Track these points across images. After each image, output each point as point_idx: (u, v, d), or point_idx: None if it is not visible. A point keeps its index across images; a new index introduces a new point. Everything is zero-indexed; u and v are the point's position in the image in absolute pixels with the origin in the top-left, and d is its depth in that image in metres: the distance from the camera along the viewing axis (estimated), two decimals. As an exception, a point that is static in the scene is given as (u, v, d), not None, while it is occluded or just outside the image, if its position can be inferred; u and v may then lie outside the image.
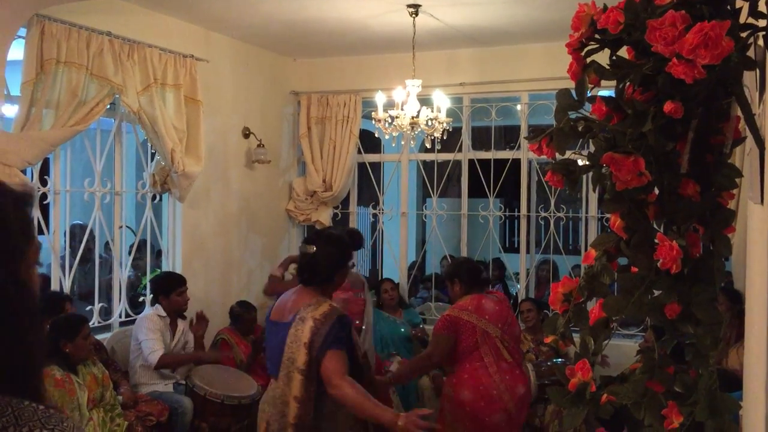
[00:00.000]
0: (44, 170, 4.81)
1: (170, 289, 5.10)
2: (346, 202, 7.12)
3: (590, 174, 1.55)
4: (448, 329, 4.08)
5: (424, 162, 7.05)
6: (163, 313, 5.06)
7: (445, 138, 5.58)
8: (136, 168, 6.74)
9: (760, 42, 1.42)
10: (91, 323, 4.68)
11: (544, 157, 1.58)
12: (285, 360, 2.94)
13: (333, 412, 2.95)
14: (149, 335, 4.88)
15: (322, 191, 6.82)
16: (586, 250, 2.94)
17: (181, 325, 5.19)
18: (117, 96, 4.91)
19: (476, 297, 4.17)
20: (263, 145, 6.44)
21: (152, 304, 5.30)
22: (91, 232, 5.23)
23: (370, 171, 7.02)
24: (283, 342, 2.96)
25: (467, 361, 4.05)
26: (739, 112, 1.45)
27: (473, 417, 4.00)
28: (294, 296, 3.09)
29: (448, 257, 6.83)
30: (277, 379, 2.99)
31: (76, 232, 6.47)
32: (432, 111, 5.31)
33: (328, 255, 3.05)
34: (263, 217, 6.76)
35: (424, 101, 5.42)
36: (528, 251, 6.66)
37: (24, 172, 4.33)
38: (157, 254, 6.20)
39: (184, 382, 4.99)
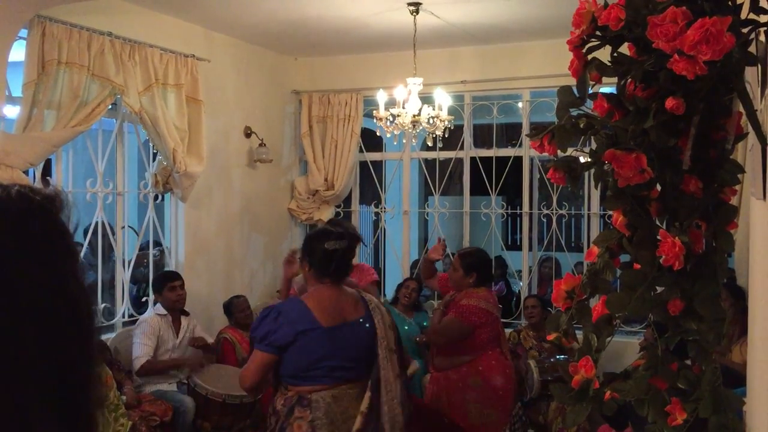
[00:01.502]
0: (46, 171, 4.82)
1: (161, 285, 5.11)
2: (348, 200, 7.12)
3: (592, 171, 1.55)
4: (468, 320, 4.04)
5: (426, 160, 7.05)
6: (163, 312, 5.06)
7: (446, 136, 5.58)
8: (138, 168, 6.75)
9: (762, 38, 1.42)
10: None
11: (545, 154, 1.58)
12: (383, 346, 3.07)
13: None
14: (141, 339, 4.90)
15: (324, 190, 6.82)
16: (588, 247, 2.94)
17: (185, 321, 5.19)
18: (118, 96, 4.91)
19: (488, 290, 4.28)
20: (265, 145, 6.44)
21: (155, 303, 5.31)
22: (94, 232, 5.24)
23: (371, 169, 7.02)
24: (368, 335, 3.07)
25: (490, 349, 4.14)
26: (741, 108, 1.45)
27: (502, 400, 4.13)
28: (341, 293, 3.11)
29: (451, 255, 6.82)
30: (354, 381, 3.04)
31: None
32: (433, 109, 5.31)
33: (352, 250, 3.17)
34: (265, 216, 6.76)
35: (426, 99, 5.42)
36: (530, 249, 6.66)
37: (26, 173, 4.34)
38: (160, 254, 6.21)
39: (186, 382, 5.00)
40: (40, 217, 0.88)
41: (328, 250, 3.04)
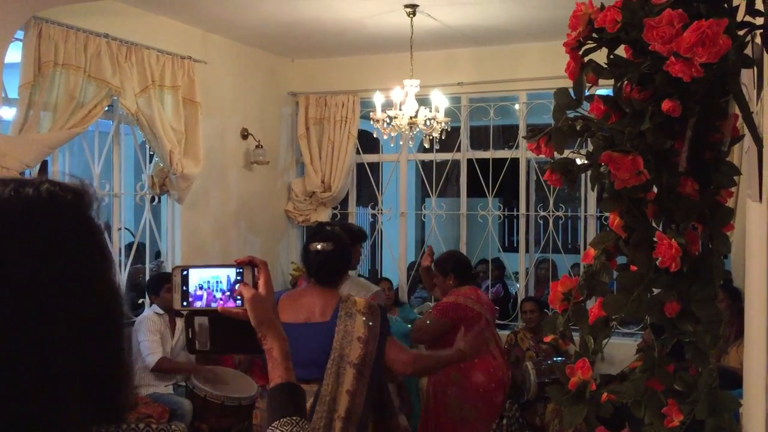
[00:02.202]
0: (43, 173, 4.81)
1: (159, 286, 5.10)
2: (345, 202, 7.12)
3: (589, 173, 1.55)
4: (446, 315, 4.20)
5: (423, 162, 7.05)
6: (161, 311, 5.06)
7: (443, 138, 5.58)
8: (135, 170, 6.74)
9: (758, 40, 1.42)
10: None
11: (542, 156, 1.58)
12: (334, 357, 2.95)
13: (379, 407, 3.07)
14: (148, 336, 4.89)
15: (320, 192, 6.82)
16: (585, 248, 2.94)
17: (180, 323, 5.18)
18: (115, 98, 4.91)
19: (473, 288, 4.43)
20: (262, 146, 6.44)
21: (151, 304, 5.30)
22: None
23: (368, 171, 7.02)
24: (324, 341, 2.96)
25: None
26: (737, 110, 1.45)
27: (484, 398, 4.22)
28: (318, 295, 3.05)
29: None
30: (308, 381, 2.93)
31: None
32: (430, 111, 5.32)
33: (345, 252, 3.08)
34: (262, 218, 6.76)
35: (423, 101, 5.43)
36: (527, 250, 6.67)
37: (23, 174, 4.33)
38: (156, 255, 6.20)
39: (184, 384, 4.99)
40: (69, 216, 0.88)
41: (311, 251, 3.05)
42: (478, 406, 4.21)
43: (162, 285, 5.11)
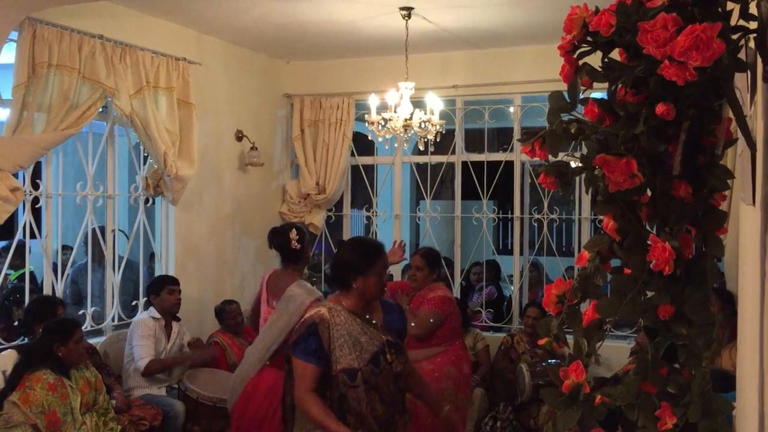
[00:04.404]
0: (36, 174, 4.79)
1: (161, 287, 5.09)
2: (339, 204, 7.12)
3: (583, 176, 1.55)
4: (443, 309, 4.36)
5: (418, 164, 7.06)
6: (157, 315, 5.04)
7: (438, 140, 5.58)
8: (129, 171, 6.71)
9: (751, 44, 1.43)
10: (84, 327, 4.66)
11: (537, 159, 1.58)
12: None
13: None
14: (141, 341, 4.88)
15: (315, 194, 6.81)
16: (579, 251, 2.96)
17: (176, 326, 5.17)
18: (109, 99, 4.90)
19: (443, 284, 4.70)
20: (256, 148, 6.44)
21: (145, 307, 5.28)
22: (84, 236, 5.21)
23: (363, 173, 7.02)
24: None
25: (456, 339, 4.47)
26: (731, 114, 1.46)
27: (469, 386, 4.52)
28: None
29: (442, 259, 6.82)
30: None
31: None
32: (425, 113, 5.32)
33: (340, 261, 3.11)
34: (256, 220, 6.75)
35: (417, 104, 5.43)
36: (521, 253, 6.67)
37: (16, 176, 4.32)
38: (150, 257, 6.18)
39: (176, 386, 4.98)
40: None
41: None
42: (465, 394, 4.41)
43: (164, 286, 5.09)
